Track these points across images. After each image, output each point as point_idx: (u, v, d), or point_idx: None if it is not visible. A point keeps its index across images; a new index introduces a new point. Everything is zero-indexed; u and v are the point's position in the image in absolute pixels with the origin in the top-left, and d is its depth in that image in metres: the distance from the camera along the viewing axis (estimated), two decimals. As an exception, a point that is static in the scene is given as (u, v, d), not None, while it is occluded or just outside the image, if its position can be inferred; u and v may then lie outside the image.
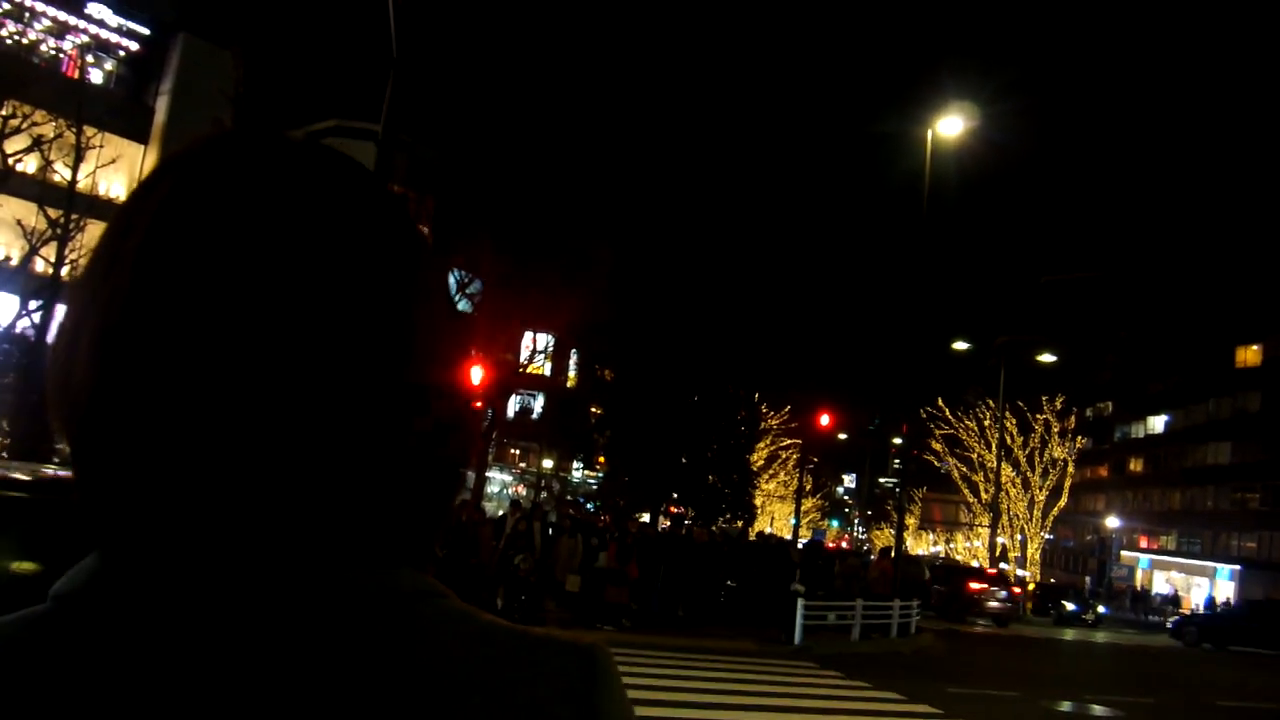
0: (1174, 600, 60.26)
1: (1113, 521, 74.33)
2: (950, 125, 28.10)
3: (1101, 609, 45.98)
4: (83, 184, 30.35)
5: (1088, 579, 62.90)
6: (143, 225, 0.62)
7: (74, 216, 28.44)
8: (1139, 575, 72.81)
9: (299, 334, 0.60)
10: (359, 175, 0.69)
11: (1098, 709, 16.08)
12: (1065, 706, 16.10)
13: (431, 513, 0.70)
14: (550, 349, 36.42)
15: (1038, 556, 61.59)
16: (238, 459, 0.59)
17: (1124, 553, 72.87)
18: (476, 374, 24.00)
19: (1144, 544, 77.46)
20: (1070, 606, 42.92)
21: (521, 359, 33.25)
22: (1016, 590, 42.68)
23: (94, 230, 32.13)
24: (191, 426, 0.59)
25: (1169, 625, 40.75)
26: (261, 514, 0.60)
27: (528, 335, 33.63)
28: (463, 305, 30.43)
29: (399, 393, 0.65)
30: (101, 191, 37.74)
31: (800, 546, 29.57)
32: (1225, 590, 62.25)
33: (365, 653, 0.61)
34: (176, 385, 0.58)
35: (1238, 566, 64.53)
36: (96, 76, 40.39)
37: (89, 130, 29.65)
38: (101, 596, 0.61)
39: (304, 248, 0.62)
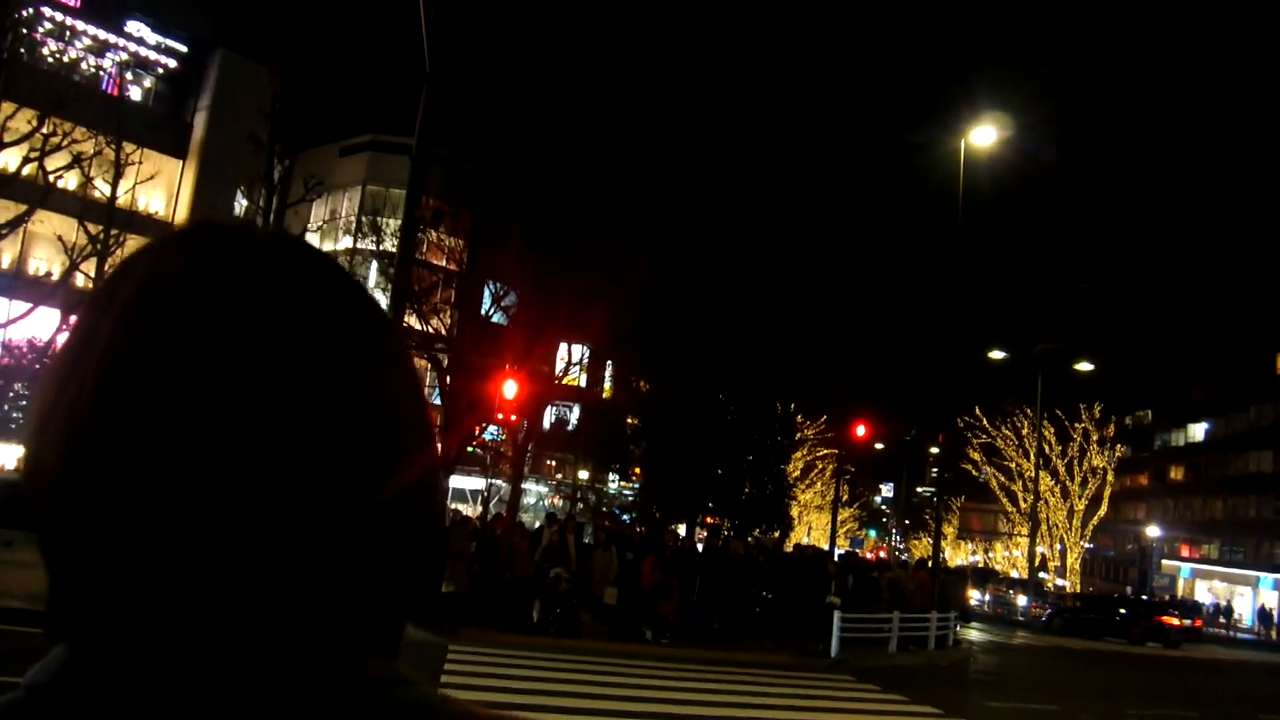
0: (1225, 611, 59.30)
1: (1153, 530, 73.48)
2: (983, 135, 28.09)
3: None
4: (122, 199, 30.72)
5: (1129, 589, 62.10)
6: (105, 331, 0.63)
7: (114, 232, 28.76)
8: (1181, 584, 71.97)
9: (256, 433, 0.61)
10: (321, 270, 0.69)
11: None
12: (1106, 721, 15.94)
13: (397, 595, 0.69)
14: (586, 360, 36.44)
15: (1078, 566, 61.10)
16: (199, 558, 0.60)
17: (1165, 562, 72.02)
18: (511, 388, 24.08)
19: (1186, 553, 76.54)
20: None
21: (557, 370, 33.27)
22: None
23: (133, 245, 32.46)
24: (153, 528, 0.59)
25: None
26: (223, 608, 0.60)
27: (563, 347, 33.66)
28: (498, 318, 30.51)
29: (358, 484, 0.65)
30: (141, 207, 38.21)
31: (836, 558, 29.37)
32: (1270, 599, 61.39)
33: None
34: (138, 486, 0.59)
35: (1281, 575, 63.65)
36: (136, 93, 40.87)
37: (128, 146, 30.02)
38: (70, 688, 0.61)
39: (263, 349, 0.62)
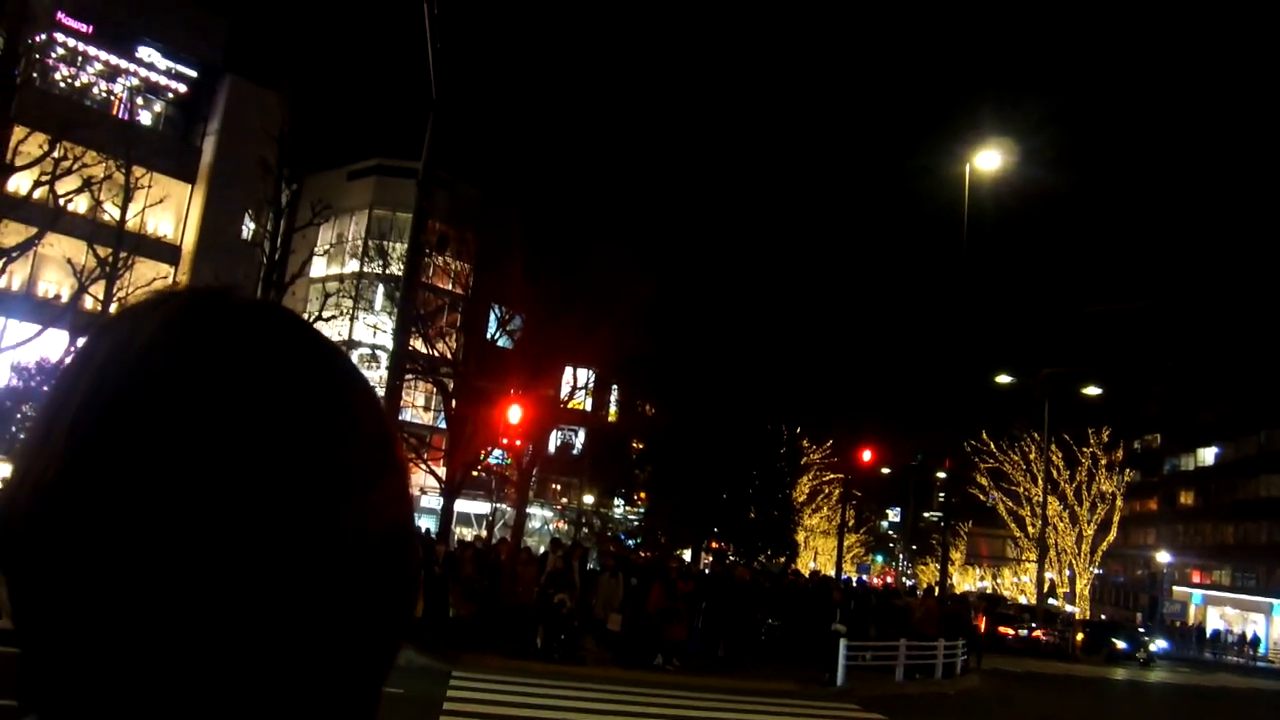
0: (1253, 642, 58.71)
1: (1163, 556, 73.15)
2: (988, 159, 28.13)
3: (1154, 647, 45.05)
4: (131, 223, 30.85)
5: (1139, 615, 61.76)
6: (81, 392, 0.63)
7: (123, 255, 28.86)
8: (1192, 611, 71.57)
9: (222, 511, 0.60)
10: (297, 338, 0.68)
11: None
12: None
13: (370, 666, 0.68)
14: (591, 384, 36.41)
15: (1087, 592, 60.74)
16: (163, 636, 0.59)
17: (1176, 588, 71.69)
18: (516, 412, 24.03)
19: (1196, 579, 76.15)
20: (1121, 645, 42.16)
21: (562, 394, 33.23)
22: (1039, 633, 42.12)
23: (142, 269, 32.64)
24: (116, 603, 0.58)
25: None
26: (190, 692, 0.59)
27: (568, 370, 33.63)
28: (503, 341, 30.51)
29: (328, 563, 0.64)
30: (150, 230, 38.38)
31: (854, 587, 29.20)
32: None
33: None
34: (100, 559, 0.58)
35: (1296, 602, 63.27)
36: (146, 118, 41.15)
37: (138, 170, 30.17)
38: None
39: (231, 421, 0.62)
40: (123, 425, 0.61)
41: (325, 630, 0.64)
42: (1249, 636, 60.54)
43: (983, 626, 34.24)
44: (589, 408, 39.74)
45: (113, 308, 27.97)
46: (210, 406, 0.62)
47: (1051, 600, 53.55)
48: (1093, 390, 50.53)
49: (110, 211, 29.74)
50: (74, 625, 0.59)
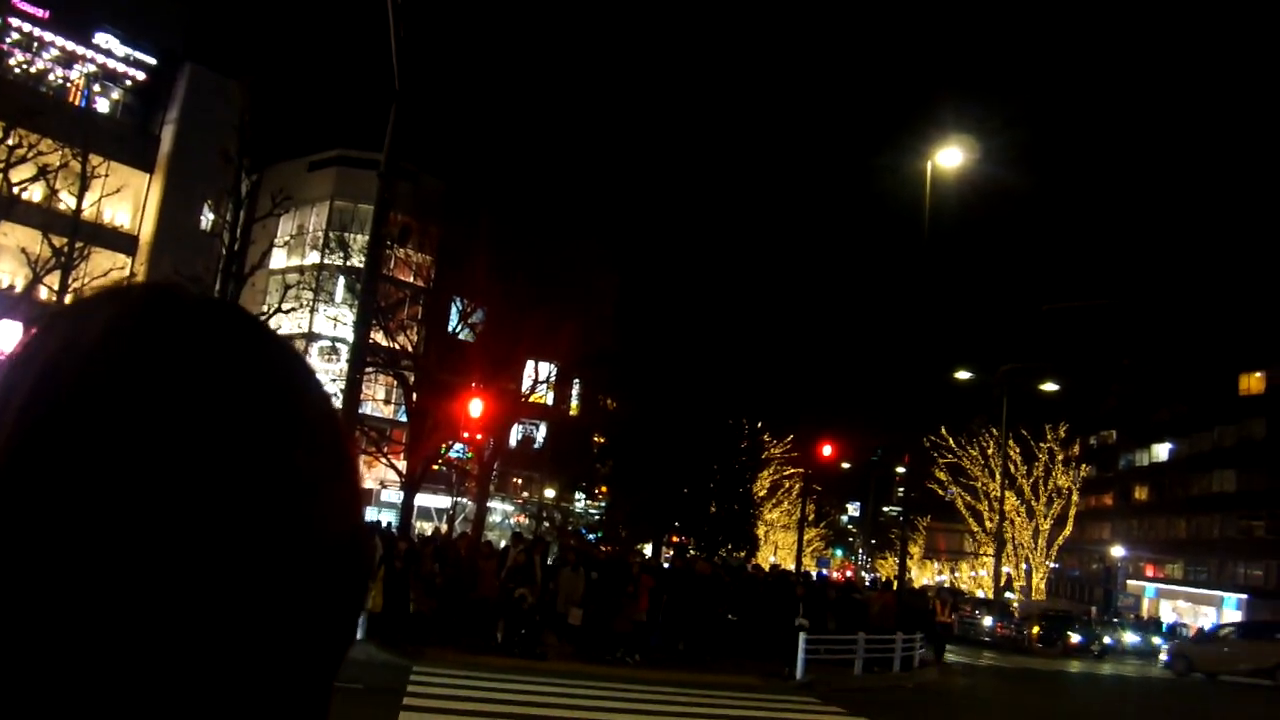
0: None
1: (1118, 550, 74.04)
2: (950, 157, 28.32)
3: (1108, 640, 45.59)
4: (88, 212, 30.47)
5: (1093, 608, 62.46)
6: (26, 388, 0.61)
7: (78, 245, 28.49)
8: (1146, 604, 72.49)
9: (169, 511, 0.59)
10: (249, 337, 0.67)
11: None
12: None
13: (319, 667, 0.67)
14: (553, 378, 36.36)
15: (1043, 585, 61.39)
16: (105, 639, 0.57)
17: (1130, 581, 72.52)
18: (477, 406, 23.97)
19: (1150, 573, 77.11)
20: (1076, 638, 42.58)
21: (524, 388, 33.17)
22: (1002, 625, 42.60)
23: (98, 259, 32.22)
24: (59, 605, 0.57)
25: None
26: (130, 697, 0.58)
27: (530, 364, 33.57)
28: (465, 335, 30.41)
29: (277, 564, 0.63)
30: (106, 220, 37.87)
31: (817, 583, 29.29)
32: (1232, 619, 61.84)
33: None
34: (47, 544, 0.57)
35: (1244, 595, 64.15)
36: (103, 105, 40.59)
37: (95, 159, 29.77)
38: None
39: (178, 421, 0.61)
40: (72, 418, 0.60)
41: (273, 629, 0.63)
42: (1206, 631, 61.33)
43: (950, 619, 34.49)
44: (550, 402, 39.66)
45: (68, 298, 27.61)
46: (161, 403, 0.61)
47: (1009, 594, 54.02)
48: (1050, 387, 50.98)
49: (66, 200, 29.36)
50: (15, 617, 0.57)
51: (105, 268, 32.94)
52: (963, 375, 51.03)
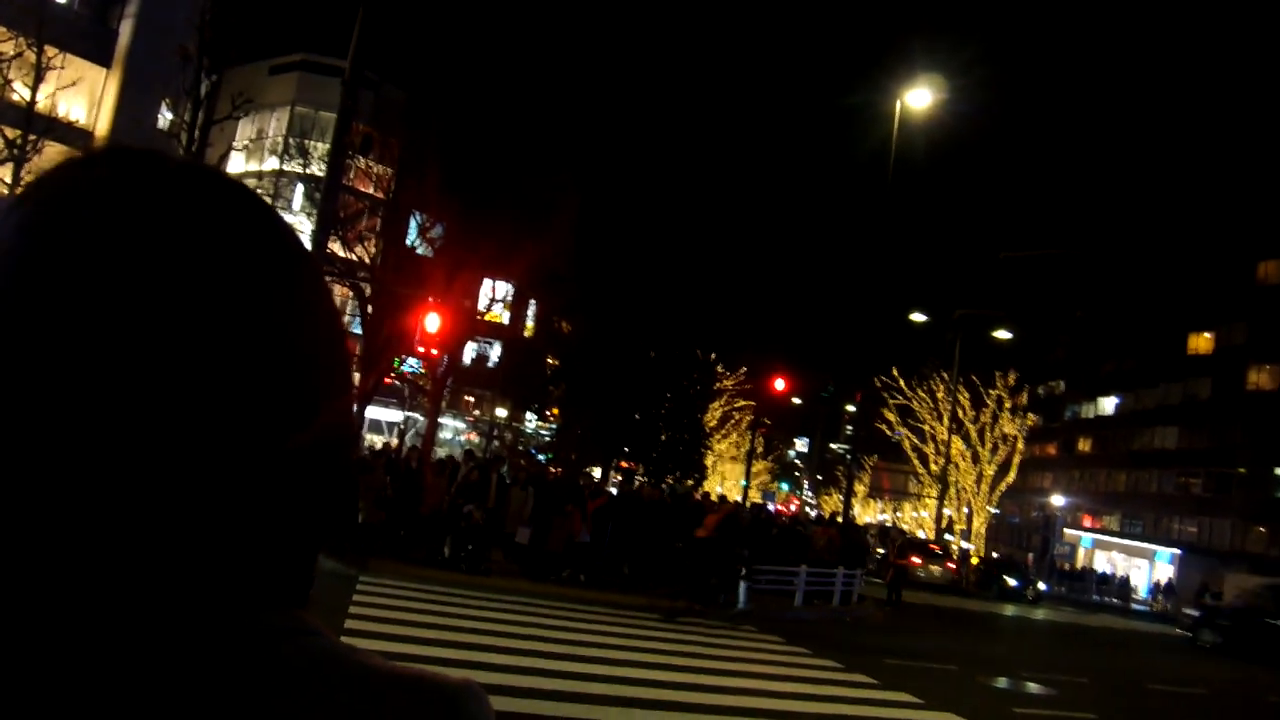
0: (1124, 583, 60.60)
1: (1058, 499, 75.28)
2: (918, 97, 28.23)
3: (1042, 586, 46.50)
4: (42, 104, 29.64)
5: (1030, 555, 63.73)
6: (4, 241, 0.60)
7: (31, 138, 27.82)
8: (1081, 554, 73.86)
9: (159, 360, 0.57)
10: (236, 200, 0.66)
11: (1033, 686, 16.27)
12: (1001, 683, 16.29)
13: (306, 543, 0.68)
14: (509, 298, 36.16)
15: (983, 530, 62.37)
16: (91, 499, 0.56)
17: (1068, 531, 73.79)
18: (433, 321, 23.80)
19: (1088, 523, 78.47)
20: (1012, 583, 43.42)
21: (480, 306, 32.96)
22: (952, 566, 43.37)
23: (51, 152, 31.47)
24: (44, 461, 0.55)
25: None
26: (117, 557, 0.57)
27: (487, 282, 33.34)
28: (422, 250, 30.11)
29: (269, 426, 0.62)
30: (61, 113, 36.91)
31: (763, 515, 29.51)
32: (1164, 573, 63.22)
33: (217, 698, 0.58)
34: (25, 408, 0.55)
35: (1178, 550, 65.52)
36: (60, -6, 39.44)
37: (50, 50, 28.95)
38: None
39: (165, 274, 0.59)
40: (70, 286, 0.57)
41: (265, 512, 0.63)
42: (1130, 581, 62.63)
43: (907, 562, 34.84)
44: (506, 321, 39.50)
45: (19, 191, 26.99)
46: (147, 268, 0.59)
47: (948, 536, 54.87)
48: (1003, 334, 51.39)
49: (20, 92, 28.56)
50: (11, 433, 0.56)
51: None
52: (918, 317, 51.33)
